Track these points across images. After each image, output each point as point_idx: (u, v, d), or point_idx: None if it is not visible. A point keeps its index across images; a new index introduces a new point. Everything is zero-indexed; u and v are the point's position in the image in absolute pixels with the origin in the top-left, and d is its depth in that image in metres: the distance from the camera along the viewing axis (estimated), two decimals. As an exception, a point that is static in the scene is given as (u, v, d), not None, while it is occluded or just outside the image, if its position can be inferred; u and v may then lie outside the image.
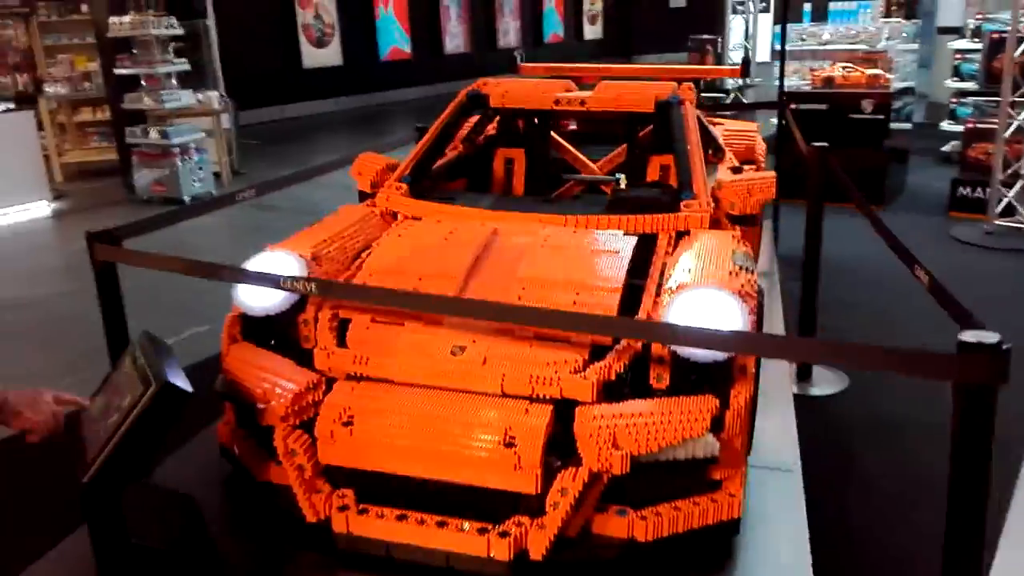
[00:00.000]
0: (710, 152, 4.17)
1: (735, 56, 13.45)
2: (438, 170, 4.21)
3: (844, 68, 8.62)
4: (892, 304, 5.34)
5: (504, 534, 2.28)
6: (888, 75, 8.49)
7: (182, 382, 2.21)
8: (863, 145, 7.98)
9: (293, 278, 2.52)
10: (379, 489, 2.40)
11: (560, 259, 2.82)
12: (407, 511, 2.37)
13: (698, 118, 4.22)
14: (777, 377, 3.57)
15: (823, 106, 8.25)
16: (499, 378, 2.37)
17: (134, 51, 8.73)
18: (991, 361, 1.71)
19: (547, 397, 2.35)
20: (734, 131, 4.87)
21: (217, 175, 9.67)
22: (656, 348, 2.41)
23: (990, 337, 1.72)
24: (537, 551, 2.26)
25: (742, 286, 2.56)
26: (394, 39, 17.60)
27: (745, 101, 8.92)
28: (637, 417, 2.27)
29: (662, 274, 2.75)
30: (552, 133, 4.53)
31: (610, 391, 2.39)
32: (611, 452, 2.22)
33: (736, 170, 4.03)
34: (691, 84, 4.34)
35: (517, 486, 2.26)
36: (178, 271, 2.69)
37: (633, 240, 2.97)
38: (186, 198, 8.72)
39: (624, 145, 4.25)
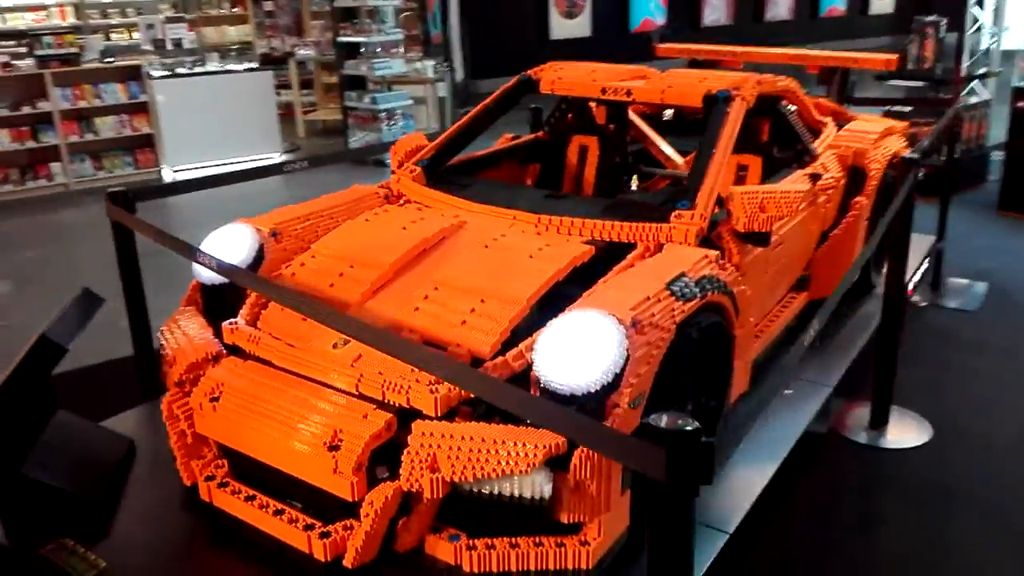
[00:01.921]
0: (789, 154, 3.69)
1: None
2: (504, 152, 4.13)
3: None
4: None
5: (325, 535, 2.25)
6: None
7: (62, 338, 2.41)
8: None
9: (212, 257, 2.62)
10: (246, 466, 2.46)
11: (489, 262, 2.68)
12: (258, 493, 2.42)
13: (782, 114, 3.75)
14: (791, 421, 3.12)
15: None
16: (356, 378, 2.32)
17: (354, 20, 9.38)
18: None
19: (395, 405, 2.26)
20: (858, 132, 4.23)
21: (426, 140, 10.16)
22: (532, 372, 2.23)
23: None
24: (348, 558, 2.20)
25: (648, 313, 2.27)
26: (648, 11, 17.22)
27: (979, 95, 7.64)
28: (464, 441, 2.12)
29: None
30: (637, 121, 4.26)
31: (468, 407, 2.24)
32: (424, 473, 2.10)
33: (815, 177, 3.55)
34: (791, 79, 3.88)
35: (336, 489, 2.21)
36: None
37: (585, 249, 2.73)
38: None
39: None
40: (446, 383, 2.23)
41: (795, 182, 3.42)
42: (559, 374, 2.17)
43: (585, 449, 2.09)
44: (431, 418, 2.21)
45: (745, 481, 2.78)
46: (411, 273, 2.72)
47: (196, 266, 2.89)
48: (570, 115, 4.21)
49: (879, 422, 3.66)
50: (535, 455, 2.06)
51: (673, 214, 2.86)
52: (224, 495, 2.45)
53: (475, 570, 2.19)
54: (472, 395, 2.23)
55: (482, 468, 2.08)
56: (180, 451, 2.54)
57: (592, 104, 4.19)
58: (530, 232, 2.89)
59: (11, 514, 2.49)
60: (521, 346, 2.31)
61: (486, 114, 3.76)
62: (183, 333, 2.73)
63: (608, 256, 2.81)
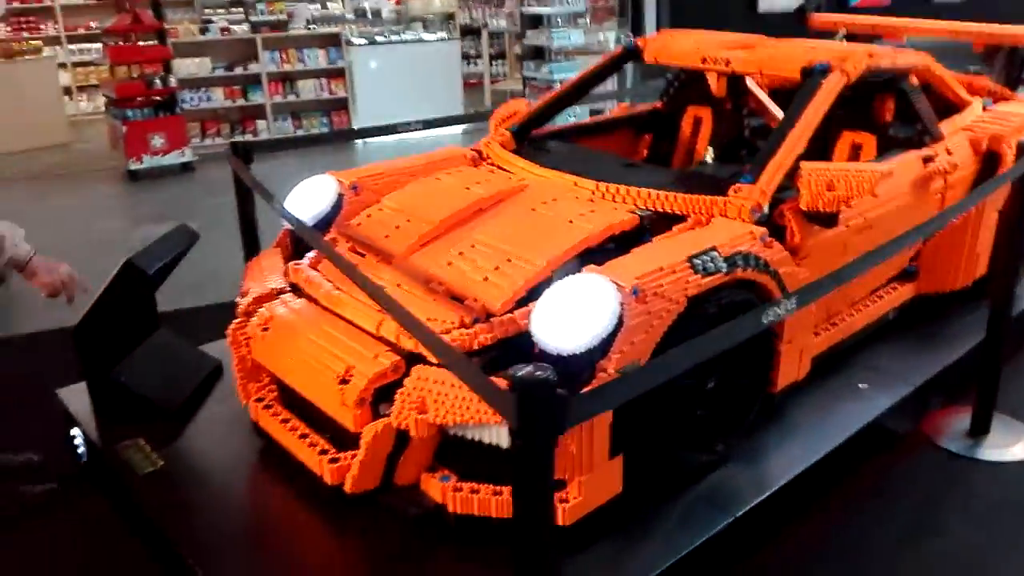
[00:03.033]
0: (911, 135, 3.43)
1: None
2: (618, 121, 4.14)
3: None
4: None
5: (334, 460, 2.45)
6: None
7: (148, 265, 2.77)
8: None
9: (282, 207, 2.88)
10: (291, 393, 2.72)
11: (528, 224, 2.75)
12: (293, 418, 2.66)
13: (904, 91, 3.49)
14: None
15: None
16: (378, 321, 2.49)
17: (538, -10, 9.53)
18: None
19: (404, 349, 2.41)
20: (1004, 114, 3.82)
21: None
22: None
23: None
24: (347, 483, 2.39)
25: (655, 283, 2.27)
26: (868, -15, 16.02)
27: None
28: (452, 388, 2.23)
29: None
30: (761, 96, 4.11)
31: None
32: (412, 414, 2.24)
33: (928, 160, 3.30)
34: (924, 54, 3.61)
35: (342, 419, 2.40)
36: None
37: (627, 218, 2.73)
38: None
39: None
40: (455, 332, 2.35)
41: (899, 163, 3.19)
42: (550, 334, 2.22)
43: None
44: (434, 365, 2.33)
45: (775, 468, 2.69)
46: (459, 230, 2.84)
47: (284, 211, 3.18)
48: (686, 86, 4.13)
49: (979, 430, 3.35)
50: (507, 412, 2.13)
51: (732, 188, 2.78)
52: (267, 416, 2.72)
53: (458, 511, 2.30)
54: (475, 343, 2.33)
55: (463, 414, 2.18)
56: (239, 374, 2.84)
57: (712, 75, 4.08)
58: (584, 198, 2.91)
59: (102, 411, 2.92)
60: (531, 305, 2.38)
61: (585, 82, 3.79)
62: (260, 271, 3.03)
63: (660, 227, 2.79)
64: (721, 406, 2.64)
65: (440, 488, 2.34)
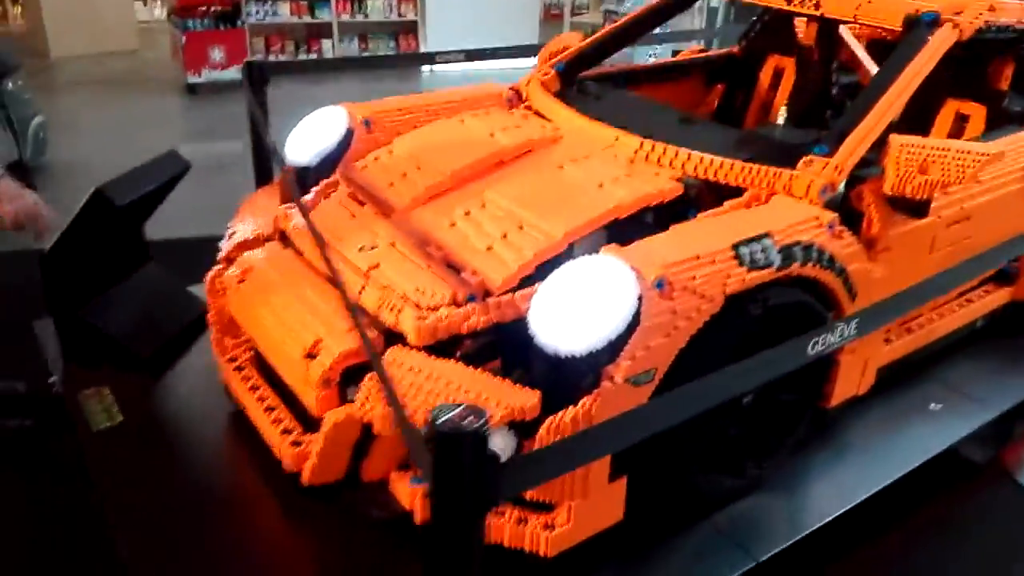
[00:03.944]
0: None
1: None
2: (686, 66, 3.63)
3: None
4: None
5: (297, 444, 2.12)
6: None
7: (119, 195, 2.45)
8: None
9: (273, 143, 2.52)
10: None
11: (551, 186, 2.34)
12: (264, 385, 2.34)
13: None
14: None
15: None
16: (359, 286, 2.12)
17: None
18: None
19: (384, 323, 2.04)
20: None
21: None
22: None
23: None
24: (305, 475, 2.06)
25: (687, 275, 1.85)
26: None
27: None
28: (427, 381, 1.86)
29: None
30: (857, 49, 3.53)
31: (453, 344, 1.98)
32: (376, 405, 1.88)
33: None
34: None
35: (305, 399, 2.06)
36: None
37: (668, 187, 2.28)
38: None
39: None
40: (443, 309, 1.97)
41: (1012, 143, 2.65)
42: (548, 328, 1.82)
43: (559, 418, 1.76)
44: (412, 347, 1.97)
45: (818, 500, 2.27)
46: (472, 185, 2.44)
47: (286, 147, 2.82)
48: (770, 29, 3.58)
49: None
50: (495, 413, 1.76)
51: (803, 159, 2.29)
52: (236, 379, 2.41)
53: (424, 520, 1.95)
54: (464, 326, 1.95)
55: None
56: (215, 327, 2.52)
57: (802, 20, 3.52)
58: (623, 158, 2.46)
59: (70, 352, 2.64)
60: (537, 286, 1.98)
61: (648, 18, 3.28)
62: (253, 211, 2.68)
63: (709, 200, 2.34)
64: (758, 424, 2.22)
65: (409, 493, 1.99)
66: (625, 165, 2.42)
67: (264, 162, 3.40)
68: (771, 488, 2.27)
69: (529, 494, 1.88)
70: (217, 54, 8.38)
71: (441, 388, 1.84)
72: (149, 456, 2.35)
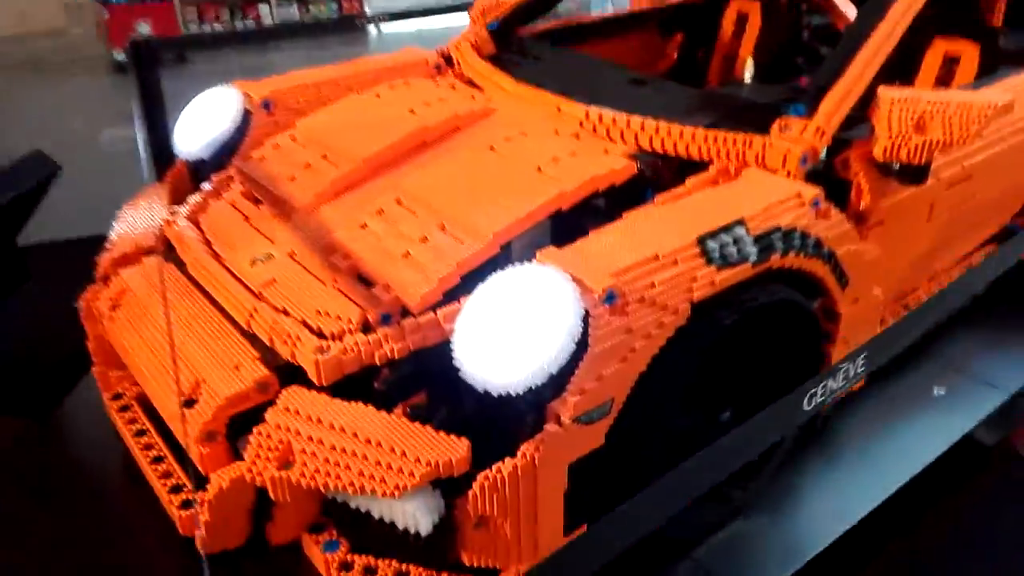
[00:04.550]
0: None
1: None
2: (636, 18, 3.23)
3: None
4: None
5: (187, 504, 1.75)
6: None
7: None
8: None
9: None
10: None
11: (479, 172, 1.96)
12: (152, 429, 1.97)
13: None
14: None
15: None
16: (249, 311, 1.74)
17: None
18: None
19: (281, 358, 1.67)
20: None
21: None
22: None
23: None
24: (198, 543, 1.70)
25: (643, 282, 1.48)
26: None
27: None
28: (330, 432, 1.49)
29: None
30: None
31: (362, 382, 1.61)
32: (268, 466, 1.51)
33: None
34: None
35: (191, 454, 1.68)
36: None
37: (619, 167, 1.91)
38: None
39: None
40: (350, 337, 1.60)
41: (1018, 88, 2.29)
42: (476, 358, 1.46)
43: (494, 472, 1.40)
44: (313, 387, 1.60)
45: (814, 521, 1.95)
46: (387, 174, 2.05)
47: (175, 136, 2.41)
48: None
49: None
50: (410, 475, 1.40)
51: (776, 123, 1.92)
52: (120, 421, 2.03)
53: (346, 597, 1.61)
54: (375, 356, 1.58)
55: (338, 478, 1.45)
56: (96, 357, 2.13)
57: None
58: (566, 132, 2.08)
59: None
60: (463, 301, 1.61)
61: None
62: (135, 216, 2.28)
63: (668, 177, 1.97)
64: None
65: (323, 560, 1.63)
66: (568, 141, 2.04)
67: (162, 155, 2.98)
68: (760, 512, 1.94)
69: (468, 559, 1.53)
70: (144, 28, 7.80)
71: (347, 442, 1.47)
72: (29, 517, 1.97)
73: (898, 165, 1.88)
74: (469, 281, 1.67)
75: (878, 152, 1.86)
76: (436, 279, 1.66)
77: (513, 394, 1.41)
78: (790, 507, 1.98)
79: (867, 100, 1.95)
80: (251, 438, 1.54)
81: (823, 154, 1.91)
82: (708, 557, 1.84)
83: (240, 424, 1.63)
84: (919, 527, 2.15)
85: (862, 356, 1.45)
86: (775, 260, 1.66)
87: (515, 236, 1.76)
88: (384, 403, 1.57)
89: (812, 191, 1.78)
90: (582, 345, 1.43)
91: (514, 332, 1.44)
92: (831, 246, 1.78)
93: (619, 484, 1.61)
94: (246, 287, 1.81)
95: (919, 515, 2.16)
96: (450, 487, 1.45)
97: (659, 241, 1.58)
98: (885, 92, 1.86)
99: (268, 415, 1.56)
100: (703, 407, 1.73)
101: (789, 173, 1.86)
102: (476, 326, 1.48)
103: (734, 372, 1.74)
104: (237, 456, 1.63)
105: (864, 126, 1.95)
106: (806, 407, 1.35)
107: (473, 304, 1.51)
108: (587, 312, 1.43)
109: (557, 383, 1.43)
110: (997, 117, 1.88)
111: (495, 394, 1.42)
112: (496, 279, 1.51)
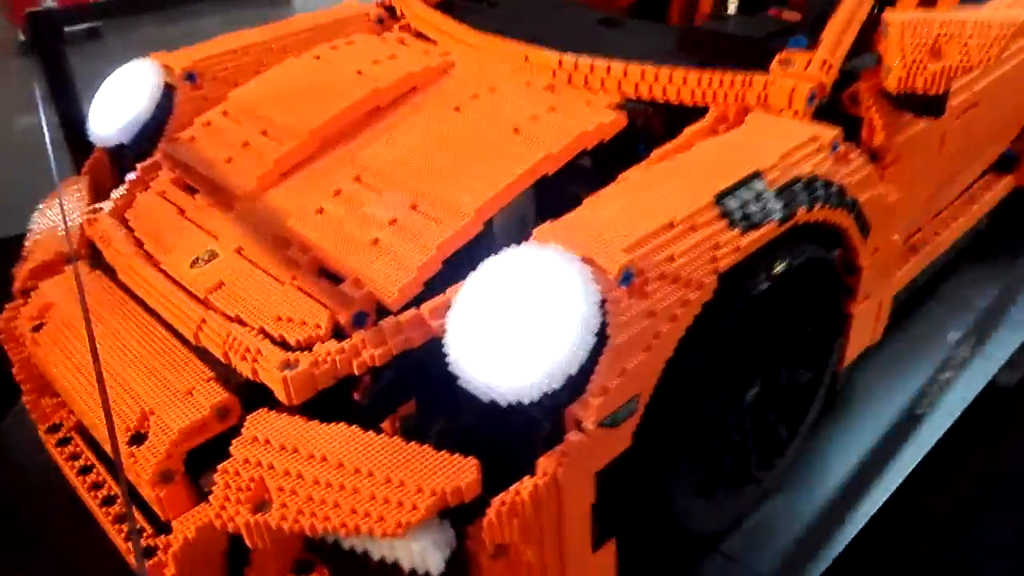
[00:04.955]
0: None
1: None
2: None
3: None
4: None
5: (149, 552, 1.50)
6: None
7: None
8: None
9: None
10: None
11: (446, 138, 1.70)
12: (99, 464, 1.71)
13: None
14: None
15: None
16: (197, 322, 1.48)
17: None
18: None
19: (240, 375, 1.42)
20: None
21: None
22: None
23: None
24: (161, 600, 1.46)
25: (662, 256, 1.27)
26: None
27: None
28: (310, 464, 1.26)
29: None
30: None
31: (337, 395, 1.37)
32: (241, 510, 1.27)
33: None
34: None
35: (147, 496, 1.43)
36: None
37: (608, 120, 1.68)
38: None
39: None
40: (321, 346, 1.36)
41: (1009, 6, 2.11)
42: (476, 364, 1.23)
43: (512, 495, 1.19)
44: (283, 408, 1.36)
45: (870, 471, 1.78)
46: (340, 149, 1.79)
47: (89, 120, 2.11)
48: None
49: None
50: (413, 509, 1.18)
51: (777, 58, 1.71)
52: (60, 456, 1.76)
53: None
54: (354, 366, 1.35)
55: (326, 520, 1.22)
56: (25, 384, 1.85)
57: None
58: (539, 85, 1.84)
59: None
60: (450, 294, 1.37)
61: None
62: (52, 218, 1.98)
63: (660, 128, 1.75)
64: (767, 421, 1.70)
65: (314, 608, 1.41)
66: (544, 95, 1.79)
67: (80, 143, 2.65)
68: (785, 491, 1.77)
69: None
70: (51, 2, 7.23)
71: (332, 475, 1.24)
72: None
73: (912, 96, 1.69)
74: (453, 268, 1.45)
75: (891, 83, 1.66)
76: (414, 268, 1.42)
77: (526, 402, 1.19)
78: (817, 480, 1.81)
79: (870, 27, 1.75)
80: (216, 478, 1.30)
81: (830, 90, 1.71)
82: (737, 547, 1.67)
83: (201, 457, 1.39)
84: (951, 484, 2.00)
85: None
86: (801, 215, 1.46)
87: (499, 210, 1.53)
88: (369, 420, 1.34)
89: (830, 132, 1.58)
90: (600, 337, 1.21)
91: (519, 328, 1.21)
92: (854, 193, 1.58)
93: (647, 483, 1.43)
94: (189, 293, 1.55)
95: (950, 471, 2.01)
96: (460, 514, 1.24)
97: (671, 204, 1.36)
98: (893, 18, 1.66)
99: (234, 448, 1.31)
100: (729, 387, 1.53)
101: (796, 113, 1.66)
102: (472, 324, 1.25)
103: (760, 344, 1.55)
104: (201, 495, 1.39)
105: (866, 56, 1.75)
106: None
107: (466, 296, 1.28)
108: (604, 298, 1.21)
109: (574, 383, 1.21)
110: (1017, 38, 1.69)
111: (504, 404, 1.20)
112: (490, 265, 1.28)
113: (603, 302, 1.21)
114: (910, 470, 1.79)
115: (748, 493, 1.71)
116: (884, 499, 1.73)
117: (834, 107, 1.73)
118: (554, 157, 1.58)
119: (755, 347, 1.52)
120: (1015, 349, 2.12)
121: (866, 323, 1.86)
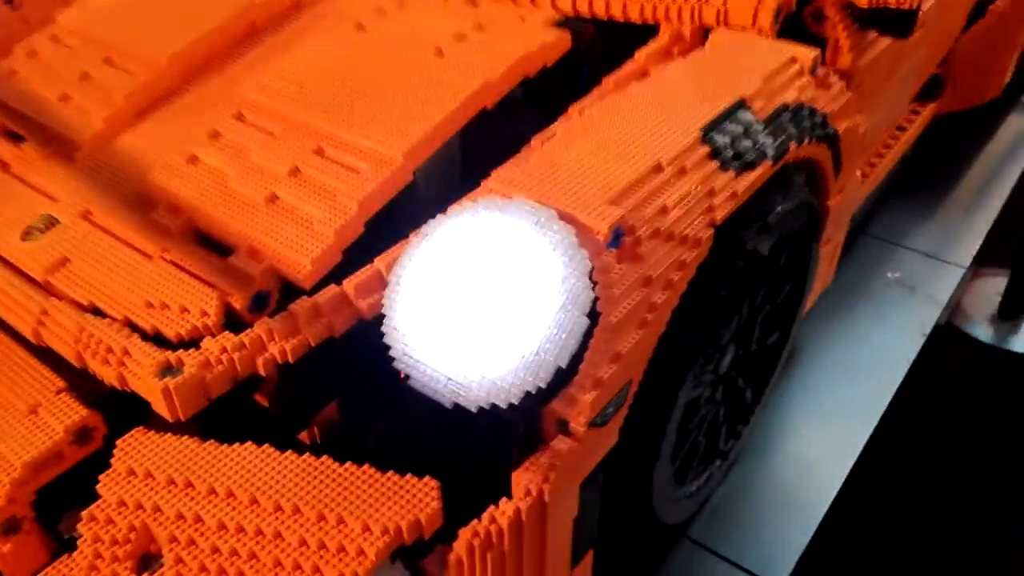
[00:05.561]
0: None
1: None
2: None
3: None
4: None
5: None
6: None
7: None
8: None
9: None
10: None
11: (352, 64, 1.36)
12: None
13: None
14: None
15: None
16: (35, 314, 1.11)
17: None
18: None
19: (102, 383, 1.07)
20: None
21: None
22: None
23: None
24: None
25: (654, 206, 1.01)
26: None
27: None
28: (210, 504, 0.95)
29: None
30: None
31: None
32: (116, 569, 0.95)
33: None
34: None
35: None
36: None
37: (551, 40, 1.39)
38: None
39: None
40: (211, 340, 1.03)
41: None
42: (432, 359, 0.94)
43: (486, 524, 0.92)
44: (164, 425, 1.03)
45: (814, 468, 1.62)
46: (214, 78, 1.42)
47: None
48: None
49: (1013, 311, 2.34)
50: (359, 556, 0.89)
51: (733, -34, 1.46)
52: None
53: None
54: (260, 364, 1.03)
55: (240, 566, 0.92)
56: None
57: None
58: (457, -1, 1.52)
59: None
60: (378, 264, 1.07)
61: None
62: None
63: (608, 51, 1.48)
64: (737, 388, 1.50)
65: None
66: (465, 8, 1.48)
67: None
68: (746, 461, 1.59)
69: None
70: None
71: (242, 516, 0.93)
72: None
73: (884, 12, 1.49)
74: (375, 231, 1.14)
75: (864, -1, 1.46)
76: (330, 232, 1.10)
77: (503, 405, 0.92)
78: (779, 447, 1.64)
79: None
80: (82, 528, 0.97)
81: (795, 5, 1.48)
82: (705, 531, 1.48)
83: (56, 496, 1.04)
84: (922, 432, 1.88)
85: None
86: (792, 150, 1.23)
87: (431, 153, 1.22)
88: (282, 434, 1.04)
89: (809, 53, 1.35)
90: (592, 319, 0.95)
91: (488, 310, 0.93)
92: (835, 123, 1.37)
93: (627, 481, 1.20)
94: (23, 275, 1.17)
95: (918, 420, 1.89)
96: (416, 552, 0.96)
97: (651, 144, 1.10)
98: None
99: (103, 486, 0.98)
100: (714, 357, 1.31)
101: (761, 32, 1.43)
102: (422, 306, 0.95)
103: (746, 306, 1.33)
104: (61, 544, 1.05)
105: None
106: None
107: (412, 269, 0.98)
108: (592, 267, 0.94)
109: (560, 378, 0.95)
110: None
111: (473, 409, 0.93)
112: (439, 226, 0.98)
113: (592, 272, 0.94)
114: (870, 433, 1.64)
115: (715, 470, 1.52)
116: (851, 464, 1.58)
117: (795, 26, 1.51)
118: (493, 86, 1.28)
119: (741, 310, 1.31)
120: (959, 283, 2.02)
121: (826, 268, 1.69)
